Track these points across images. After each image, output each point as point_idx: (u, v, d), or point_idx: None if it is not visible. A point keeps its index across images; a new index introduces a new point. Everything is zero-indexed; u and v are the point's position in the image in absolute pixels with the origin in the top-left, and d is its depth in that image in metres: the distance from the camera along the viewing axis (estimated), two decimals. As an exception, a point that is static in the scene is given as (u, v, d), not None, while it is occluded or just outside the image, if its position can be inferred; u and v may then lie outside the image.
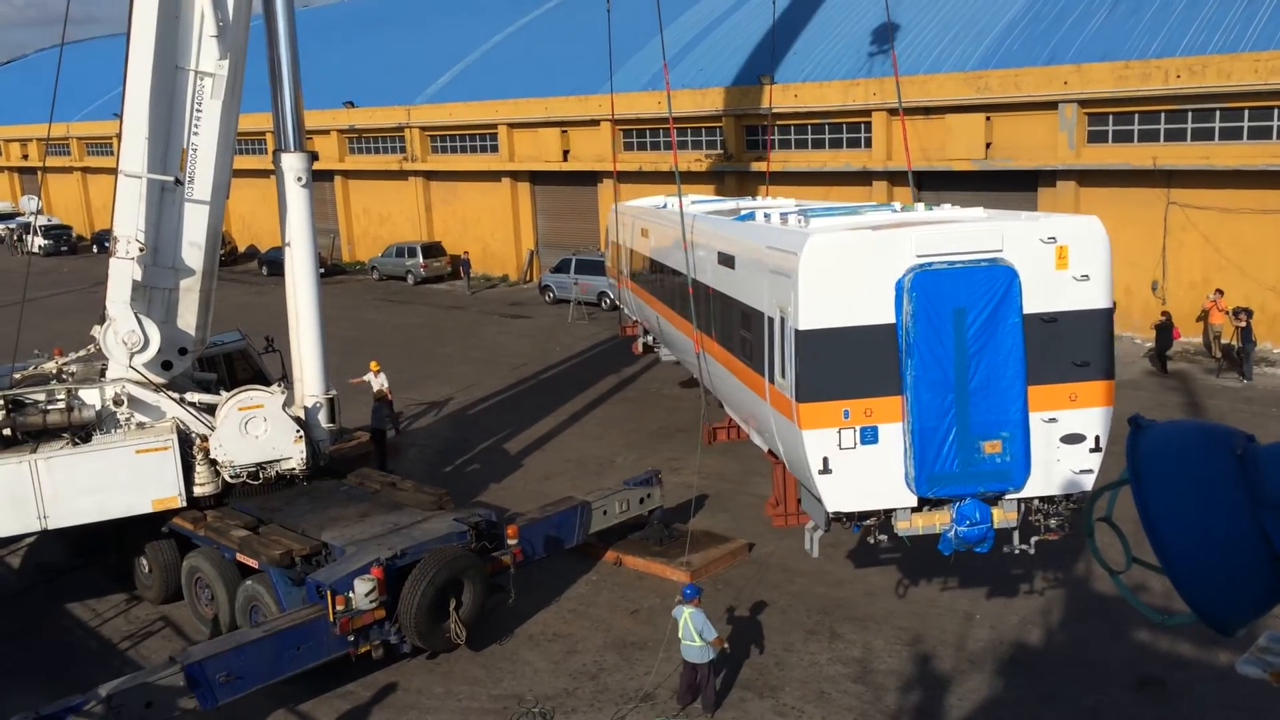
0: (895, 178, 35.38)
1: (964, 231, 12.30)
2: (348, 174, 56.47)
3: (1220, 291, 28.34)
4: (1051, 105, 31.30)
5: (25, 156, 78.68)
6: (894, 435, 12.13)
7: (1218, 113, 28.86)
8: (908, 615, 15.50)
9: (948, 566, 16.66)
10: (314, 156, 17.95)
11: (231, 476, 16.49)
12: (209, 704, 12.58)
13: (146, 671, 12.84)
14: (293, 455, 16.74)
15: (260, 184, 47.76)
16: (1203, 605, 3.19)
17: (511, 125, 47.75)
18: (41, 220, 67.61)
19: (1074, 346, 12.23)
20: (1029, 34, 33.96)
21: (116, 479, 15.65)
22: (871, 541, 13.06)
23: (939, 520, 12.42)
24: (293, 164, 17.40)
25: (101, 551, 17.89)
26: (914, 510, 12.46)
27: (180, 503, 16.11)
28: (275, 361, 20.56)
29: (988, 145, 33.05)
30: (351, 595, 13.56)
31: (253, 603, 15.12)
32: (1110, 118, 30.86)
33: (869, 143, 36.32)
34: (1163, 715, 12.90)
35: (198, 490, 16.30)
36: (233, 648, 12.94)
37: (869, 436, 12.08)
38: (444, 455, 24.21)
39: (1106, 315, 12.47)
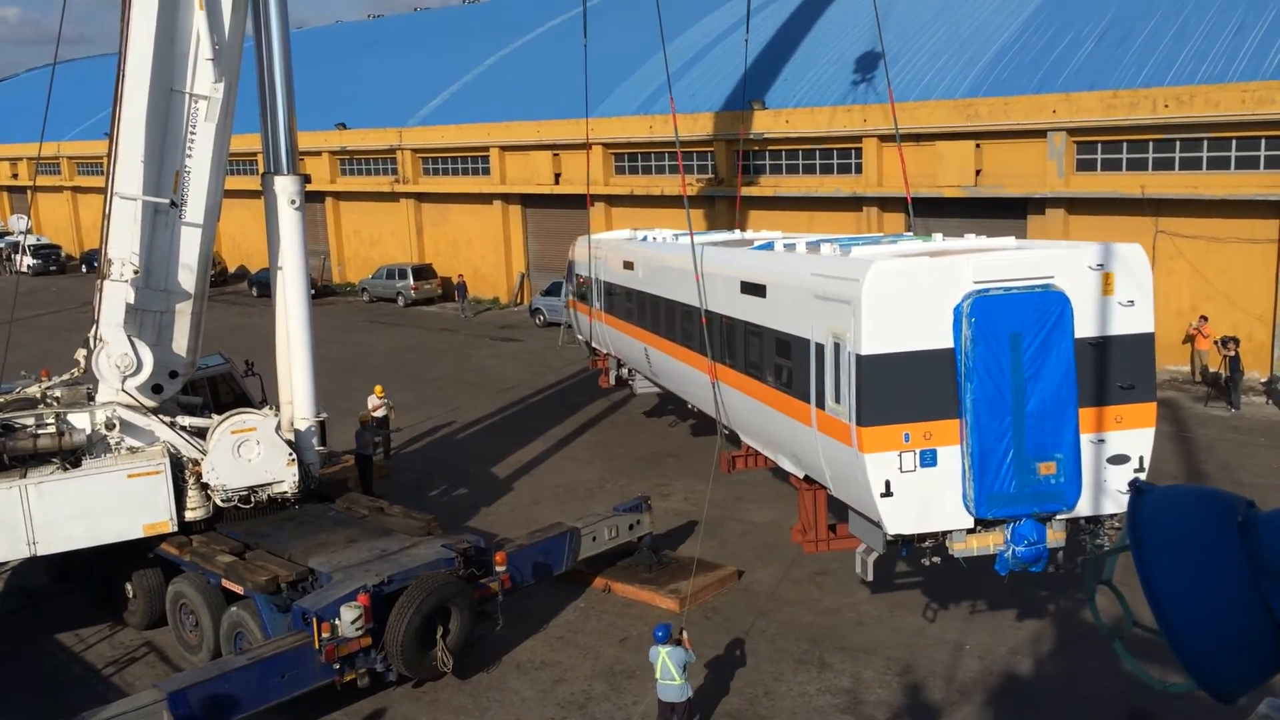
0: (886, 203, 35.55)
1: (1019, 258, 12.61)
2: (339, 195, 56.50)
3: (1205, 318, 28.48)
4: (1041, 133, 31.52)
5: (15, 175, 78.51)
6: (952, 458, 12.35)
7: (1205, 142, 29.08)
8: (897, 645, 15.43)
9: (936, 595, 16.63)
10: (306, 179, 17.94)
11: (223, 500, 16.39)
12: (192, 733, 12.42)
13: (129, 700, 12.69)
14: (285, 478, 16.65)
15: (250, 204, 47.79)
16: (1203, 673, 3.17)
17: (503, 148, 47.88)
18: (30, 239, 67.39)
19: (1120, 370, 12.64)
20: (1018, 63, 34.22)
21: (108, 504, 15.52)
22: (925, 564, 13.18)
23: (993, 541, 12.62)
24: (286, 187, 17.37)
25: (86, 576, 17.72)
26: (969, 531, 12.62)
27: (172, 527, 15.99)
28: (256, 385, 20.48)
29: (977, 172, 33.24)
30: (338, 622, 13.45)
31: (237, 629, 14.98)
32: (1099, 146, 31.08)
33: (859, 168, 36.49)
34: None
35: (189, 515, 16.19)
36: (216, 675, 12.81)
37: (928, 459, 12.31)
38: (433, 479, 24.11)
39: (1150, 339, 12.87)
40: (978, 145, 33.05)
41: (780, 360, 14.93)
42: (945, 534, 12.69)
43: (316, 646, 13.27)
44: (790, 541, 19.11)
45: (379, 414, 24.77)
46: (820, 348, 13.42)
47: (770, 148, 38.84)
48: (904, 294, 12.31)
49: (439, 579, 14.48)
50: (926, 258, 12.83)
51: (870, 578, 13.78)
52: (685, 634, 13.34)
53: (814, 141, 37.49)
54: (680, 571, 17.81)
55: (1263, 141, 28.15)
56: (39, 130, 19.34)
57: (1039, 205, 31.98)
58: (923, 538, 12.75)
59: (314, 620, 13.31)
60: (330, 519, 17.13)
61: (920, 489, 12.35)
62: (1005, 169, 32.71)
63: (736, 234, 22.50)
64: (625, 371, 25.98)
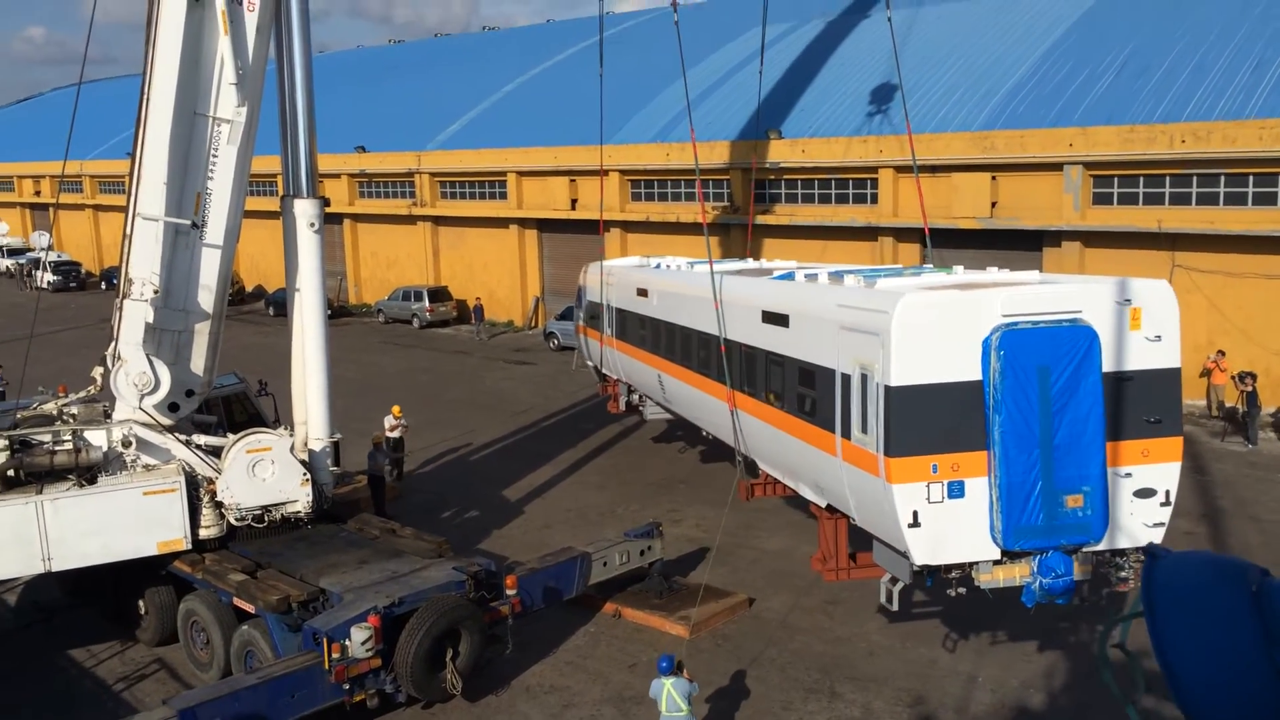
0: (901, 234, 35.60)
1: (1048, 293, 12.70)
2: (356, 217, 56.89)
3: (1222, 352, 28.36)
4: (1057, 166, 31.56)
5: (38, 193, 79.35)
6: (979, 489, 12.41)
7: (1222, 178, 29.06)
8: (908, 676, 15.34)
9: (950, 627, 16.54)
10: (326, 202, 18.11)
11: (237, 519, 16.46)
12: (201, 750, 12.43)
13: (140, 717, 12.73)
14: (299, 498, 16.72)
15: (269, 224, 48.16)
16: None
17: (520, 173, 48.19)
18: (51, 256, 68.01)
19: (1147, 404, 12.74)
20: (1035, 96, 34.32)
21: (123, 521, 15.61)
22: (951, 595, 13.19)
23: (1019, 573, 12.67)
24: (305, 210, 17.52)
25: (98, 592, 17.78)
26: (995, 563, 12.66)
27: (186, 545, 16.07)
28: (269, 404, 20.59)
29: (993, 204, 33.27)
30: (348, 643, 13.47)
31: (248, 648, 15.01)
32: (1115, 180, 31.09)
33: (875, 198, 36.58)
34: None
35: (203, 533, 16.27)
36: (226, 694, 12.82)
37: (955, 491, 12.37)
38: (445, 501, 24.14)
39: (1177, 374, 12.99)
40: (994, 177, 33.11)
41: (804, 390, 14.99)
42: (972, 565, 12.72)
43: (326, 667, 13.27)
44: (803, 570, 19.08)
45: (395, 434, 24.85)
46: (846, 378, 13.50)
47: (786, 176, 38.99)
48: (933, 326, 12.40)
49: (449, 601, 14.48)
50: (956, 290, 12.91)
51: (895, 607, 13.78)
52: (684, 668, 13.24)
53: (830, 171, 37.63)
54: (691, 598, 17.76)
55: (1280, 178, 28.14)
56: (63, 149, 19.58)
57: (1055, 238, 31.98)
58: (949, 568, 12.77)
59: (324, 640, 13.33)
60: (342, 539, 17.18)
61: (947, 520, 12.41)
62: (1021, 201, 32.74)
63: (753, 263, 22.55)
64: (636, 397, 26.01)
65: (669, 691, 12.67)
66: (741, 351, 17.26)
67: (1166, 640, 3.19)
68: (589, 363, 28.67)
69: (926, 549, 12.51)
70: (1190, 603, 3.21)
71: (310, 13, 17.75)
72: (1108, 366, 12.53)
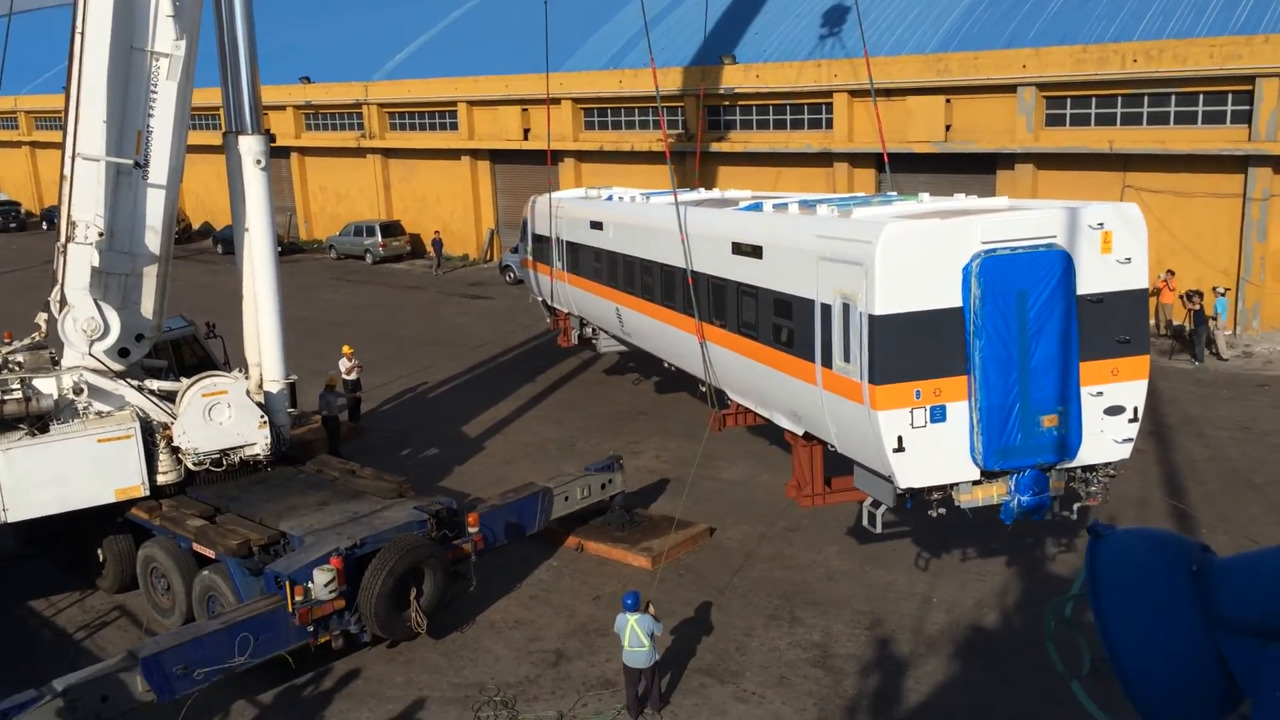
0: (856, 159, 35.50)
1: (1024, 219, 12.95)
2: (304, 151, 55.72)
3: (1171, 272, 28.75)
4: (1010, 89, 31.50)
5: (-29, 130, 76.85)
6: (960, 413, 12.75)
7: (1173, 97, 29.18)
8: (866, 599, 15.66)
9: (906, 551, 16.87)
10: (271, 138, 17.65)
11: (195, 464, 16.30)
12: (166, 697, 12.45)
13: (102, 665, 12.68)
14: (257, 441, 16.58)
15: (213, 159, 47.09)
16: (1155, 718, 3.24)
17: (471, 103, 47.31)
18: (-11, 196, 66.13)
19: (1117, 324, 13.12)
20: (988, 17, 34.11)
21: (78, 469, 15.40)
22: (932, 515, 13.55)
23: (997, 491, 13.10)
24: (251, 146, 17.08)
25: (55, 540, 17.60)
26: (974, 483, 13.05)
27: (144, 491, 15.91)
28: (218, 347, 20.29)
29: (947, 128, 33.21)
30: (310, 585, 13.48)
31: (210, 593, 14.98)
32: (1068, 101, 31.12)
33: (829, 124, 36.37)
34: (1119, 697, 13.13)
35: (161, 479, 16.11)
36: (190, 639, 12.81)
37: (938, 415, 12.69)
38: (404, 440, 24.07)
39: (1144, 295, 13.49)
40: (948, 100, 33.00)
41: (780, 320, 15.10)
42: (953, 486, 13.12)
43: (290, 609, 13.29)
44: (763, 498, 19.34)
45: (352, 376, 24.69)
46: (827, 308, 13.64)
47: (741, 103, 38.61)
48: (915, 255, 12.56)
49: (411, 541, 14.50)
50: (936, 219, 13.03)
51: (879, 529, 14.18)
52: (651, 606, 13.44)
53: (784, 97, 37.29)
54: (653, 530, 17.95)
55: (1229, 96, 28.29)
56: (-6, 85, 18.85)
57: (1008, 160, 32.05)
58: (931, 490, 13.15)
59: (287, 583, 13.33)
60: (301, 482, 17.10)
61: (930, 444, 12.74)
62: (975, 124, 32.70)
63: (715, 193, 22.35)
64: (589, 330, 25.94)
65: (632, 627, 12.83)
66: (710, 284, 17.26)
67: (1109, 620, 3.25)
68: (537, 297, 28.50)
69: (911, 473, 12.82)
70: (1132, 583, 3.27)
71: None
72: (1081, 289, 12.84)
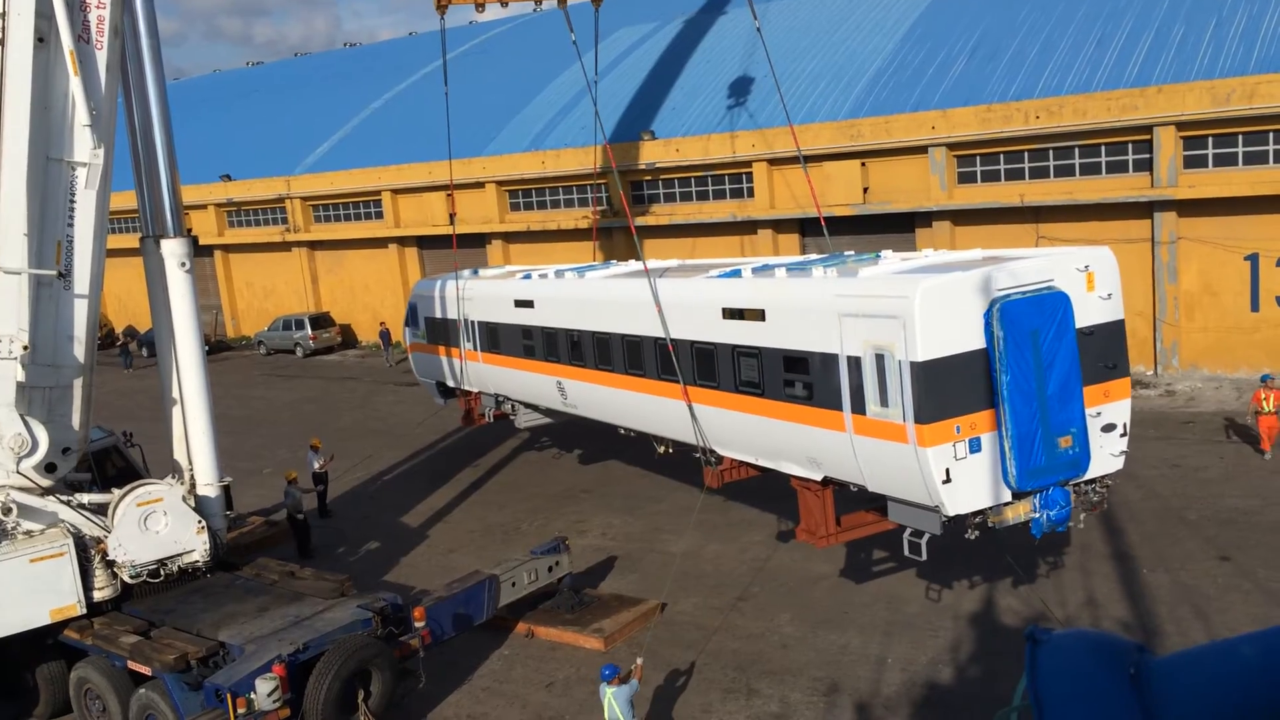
0: (779, 225, 36.17)
1: (1029, 266, 14.61)
2: (228, 248, 55.25)
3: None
4: (922, 149, 32.46)
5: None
6: (991, 442, 14.14)
7: (1077, 149, 30.30)
8: (822, 664, 15.59)
9: (854, 612, 16.87)
10: (194, 239, 17.48)
11: (131, 577, 15.80)
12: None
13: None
14: (196, 547, 16.19)
15: (133, 262, 46.54)
16: None
17: (395, 191, 47.43)
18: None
19: (1105, 352, 14.92)
20: (895, 82, 35.24)
21: (11, 592, 14.81)
22: (969, 538, 14.58)
23: (1024, 510, 14.50)
24: (174, 249, 16.93)
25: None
26: (1005, 505, 14.37)
27: (80, 610, 15.37)
28: (136, 455, 19.83)
29: (865, 190, 34.05)
30: (253, 696, 13.07)
31: (148, 711, 14.42)
32: (977, 159, 32.14)
33: (750, 192, 37.08)
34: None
35: (97, 595, 15.61)
36: (129, 764, 12.30)
37: (975, 446, 14.09)
38: (345, 534, 23.61)
39: (1122, 325, 15.38)
40: (863, 164, 33.88)
41: (792, 375, 16.07)
42: (990, 509, 14.34)
43: (233, 723, 12.86)
44: (711, 569, 19.24)
45: (323, 470, 24.54)
46: (855, 360, 14.84)
47: (663, 176, 39.23)
48: (947, 305, 13.99)
49: (356, 641, 14.17)
50: (960, 273, 14.40)
51: (925, 557, 14.94)
52: (640, 661, 13.69)
53: (704, 169, 37.99)
54: (603, 609, 17.75)
55: (1130, 146, 29.44)
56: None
57: (925, 219, 32.90)
58: (973, 515, 14.30)
59: (228, 696, 12.91)
60: (239, 588, 16.65)
61: (971, 473, 14.05)
62: (891, 185, 33.58)
63: (675, 262, 22.52)
64: (508, 407, 26.02)
65: (609, 701, 12.91)
66: (693, 349, 18.07)
67: None
68: (423, 380, 28.67)
69: (958, 501, 14.04)
70: (1073, 691, 3.31)
71: (161, 38, 17.18)
72: (1076, 324, 14.43)
